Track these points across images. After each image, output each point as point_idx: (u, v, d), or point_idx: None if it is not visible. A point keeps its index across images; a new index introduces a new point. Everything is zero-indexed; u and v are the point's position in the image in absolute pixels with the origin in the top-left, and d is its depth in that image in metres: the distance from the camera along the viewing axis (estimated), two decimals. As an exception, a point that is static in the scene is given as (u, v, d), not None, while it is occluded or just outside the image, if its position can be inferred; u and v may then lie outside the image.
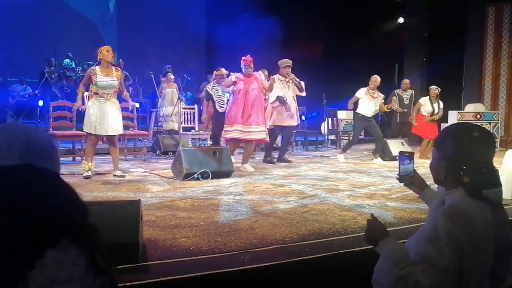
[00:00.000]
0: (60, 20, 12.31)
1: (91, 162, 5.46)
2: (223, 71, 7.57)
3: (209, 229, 3.23)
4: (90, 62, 12.04)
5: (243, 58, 6.49)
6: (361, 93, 7.82)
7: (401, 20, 13.53)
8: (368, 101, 7.78)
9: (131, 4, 13.51)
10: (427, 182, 1.97)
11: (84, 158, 5.66)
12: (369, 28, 13.02)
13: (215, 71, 7.82)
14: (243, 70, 6.46)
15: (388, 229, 3.36)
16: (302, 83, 7.29)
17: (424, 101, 8.49)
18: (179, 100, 8.58)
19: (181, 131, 8.20)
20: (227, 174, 5.62)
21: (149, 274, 2.42)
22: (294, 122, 7.44)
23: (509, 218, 1.63)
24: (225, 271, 2.42)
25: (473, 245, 1.42)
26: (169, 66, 11.23)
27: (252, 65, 6.45)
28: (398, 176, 1.98)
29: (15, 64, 11.26)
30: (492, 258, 1.46)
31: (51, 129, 6.88)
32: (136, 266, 2.43)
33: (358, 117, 7.90)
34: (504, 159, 4.91)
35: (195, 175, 5.31)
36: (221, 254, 2.69)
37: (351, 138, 8.42)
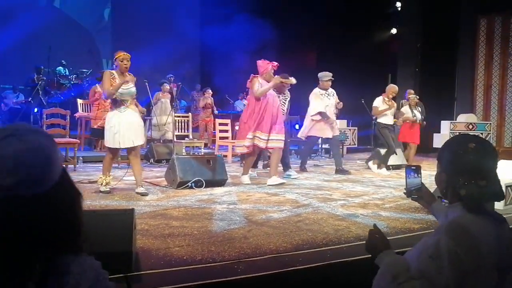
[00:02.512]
0: (54, 27, 12.30)
1: (109, 176, 5.03)
2: (293, 80, 6.75)
3: (202, 238, 3.22)
4: (84, 70, 12.06)
5: (271, 63, 5.99)
6: (378, 101, 7.79)
7: (394, 30, 13.68)
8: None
9: (125, 12, 13.54)
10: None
11: (102, 171, 5.09)
12: (363, 38, 13.14)
13: (279, 78, 6.65)
14: (268, 76, 5.95)
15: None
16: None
17: (406, 109, 8.44)
18: (173, 109, 8.59)
19: (175, 139, 8.19)
20: (221, 183, 5.61)
21: (142, 284, 2.40)
22: (336, 131, 7.60)
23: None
24: (219, 281, 2.41)
25: (476, 264, 1.39)
26: (172, 75, 11.23)
27: None
28: (405, 191, 1.94)
29: (8, 71, 11.21)
30: (496, 276, 1.43)
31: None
32: (129, 275, 2.41)
33: (382, 127, 7.76)
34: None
35: (189, 184, 5.30)
36: (214, 264, 2.68)
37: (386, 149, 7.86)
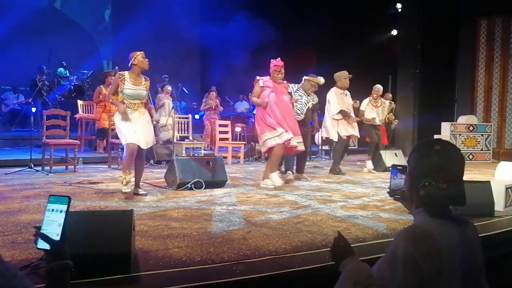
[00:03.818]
0: (55, 29, 12.30)
1: (130, 174, 4.79)
2: (321, 80, 6.71)
3: (201, 239, 3.22)
4: (85, 71, 12.07)
5: (274, 62, 5.80)
6: (364, 104, 7.96)
7: (394, 32, 13.68)
8: (371, 110, 7.96)
9: (126, 13, 13.54)
10: None
11: (122, 170, 4.85)
12: (364, 40, 13.16)
13: (308, 77, 6.74)
14: (273, 76, 5.81)
15: (380, 241, 3.37)
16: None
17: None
18: (173, 110, 8.60)
19: (175, 140, 8.19)
20: (220, 184, 5.61)
21: (140, 285, 2.40)
22: (356, 132, 7.47)
23: (481, 235, 1.56)
24: (218, 282, 2.40)
25: (436, 269, 1.35)
26: (166, 76, 11.27)
27: (283, 71, 5.84)
28: (388, 190, 1.96)
29: (9, 72, 11.22)
30: (459, 282, 1.39)
31: (44, 137, 6.85)
32: (128, 276, 2.42)
33: (368, 125, 8.01)
34: (496, 171, 4.95)
35: (189, 185, 5.29)
36: (213, 265, 2.67)
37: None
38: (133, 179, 4.99)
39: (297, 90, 6.71)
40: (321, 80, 6.69)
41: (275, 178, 5.63)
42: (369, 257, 2.61)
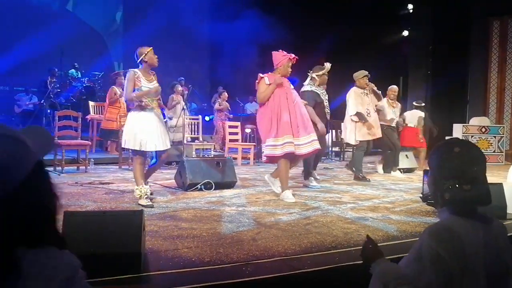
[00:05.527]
0: (67, 30, 12.44)
1: (145, 185, 4.46)
2: (327, 65, 6.28)
3: (211, 240, 3.23)
4: (96, 72, 12.17)
5: (289, 55, 5.11)
6: (383, 106, 7.77)
7: (406, 33, 13.60)
8: (389, 111, 7.78)
9: (137, 15, 13.64)
10: None
11: (135, 182, 4.53)
12: (374, 40, 13.08)
13: (321, 72, 6.32)
14: (284, 70, 5.10)
15: (390, 243, 3.35)
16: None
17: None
18: (183, 111, 8.63)
19: (185, 141, 8.22)
20: (230, 185, 5.62)
21: (150, 285, 2.42)
22: (377, 134, 7.17)
23: (508, 234, 1.55)
24: (227, 283, 2.41)
25: (461, 267, 1.37)
26: (182, 78, 11.32)
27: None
28: (421, 195, 1.94)
29: (21, 73, 11.35)
30: (485, 282, 1.40)
31: (56, 138, 6.91)
32: (138, 276, 2.43)
33: (386, 128, 7.69)
34: (509, 173, 4.89)
35: (199, 186, 5.31)
36: (222, 266, 2.68)
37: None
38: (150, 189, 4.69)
39: (316, 88, 6.21)
40: (328, 65, 6.43)
41: (286, 195, 4.96)
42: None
